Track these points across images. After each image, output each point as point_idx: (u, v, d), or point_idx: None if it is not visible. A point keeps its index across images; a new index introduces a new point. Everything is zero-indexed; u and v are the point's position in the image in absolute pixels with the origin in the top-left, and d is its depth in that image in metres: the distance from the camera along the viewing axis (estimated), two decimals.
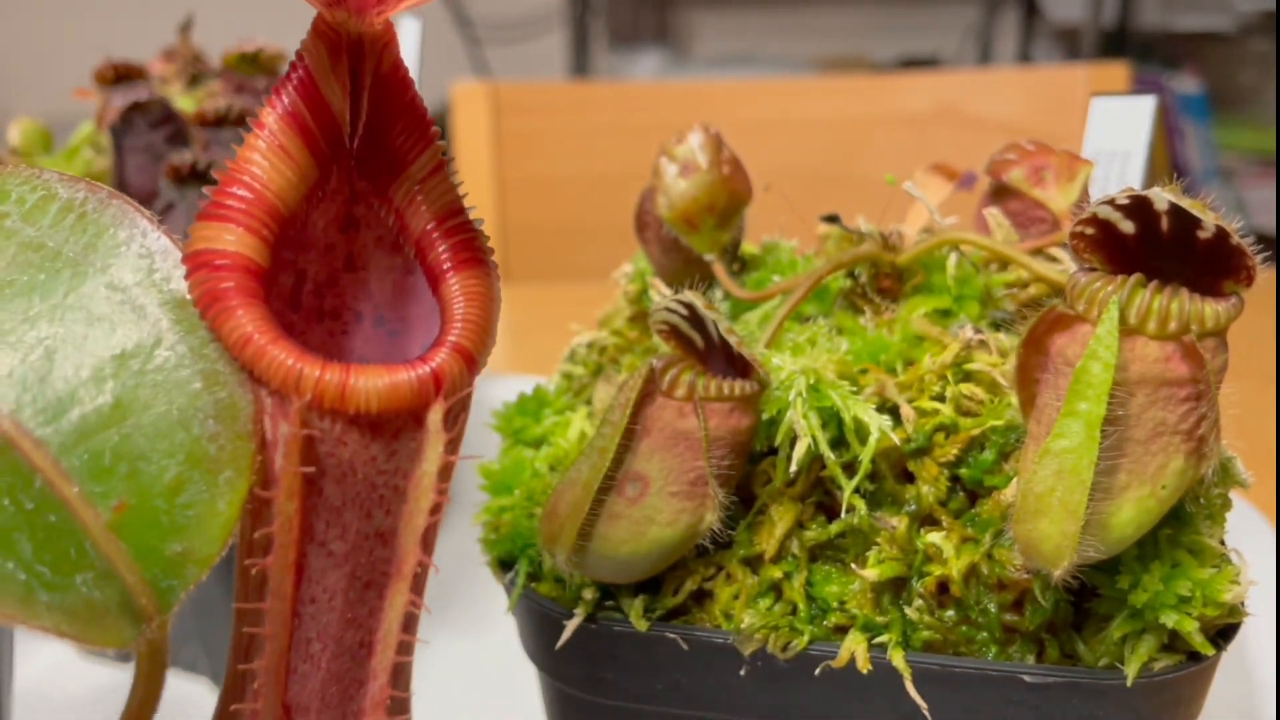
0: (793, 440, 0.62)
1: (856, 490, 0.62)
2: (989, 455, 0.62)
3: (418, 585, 0.45)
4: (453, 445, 0.44)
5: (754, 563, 0.64)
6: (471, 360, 0.44)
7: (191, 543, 0.40)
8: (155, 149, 0.97)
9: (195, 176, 0.86)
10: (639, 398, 0.58)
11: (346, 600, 0.45)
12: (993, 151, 0.76)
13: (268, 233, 0.42)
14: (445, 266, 0.46)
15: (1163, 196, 0.48)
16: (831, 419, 0.62)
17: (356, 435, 0.42)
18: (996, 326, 0.70)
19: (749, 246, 0.84)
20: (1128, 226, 0.51)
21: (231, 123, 0.95)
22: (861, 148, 2.03)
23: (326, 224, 0.48)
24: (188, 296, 0.42)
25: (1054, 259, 0.71)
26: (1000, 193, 0.75)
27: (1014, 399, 0.60)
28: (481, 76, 4.04)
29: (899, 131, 2.03)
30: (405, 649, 0.46)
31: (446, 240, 0.46)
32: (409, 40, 1.12)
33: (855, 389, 0.63)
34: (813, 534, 0.63)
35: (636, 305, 0.85)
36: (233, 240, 0.42)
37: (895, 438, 0.61)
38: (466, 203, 0.46)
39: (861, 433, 0.62)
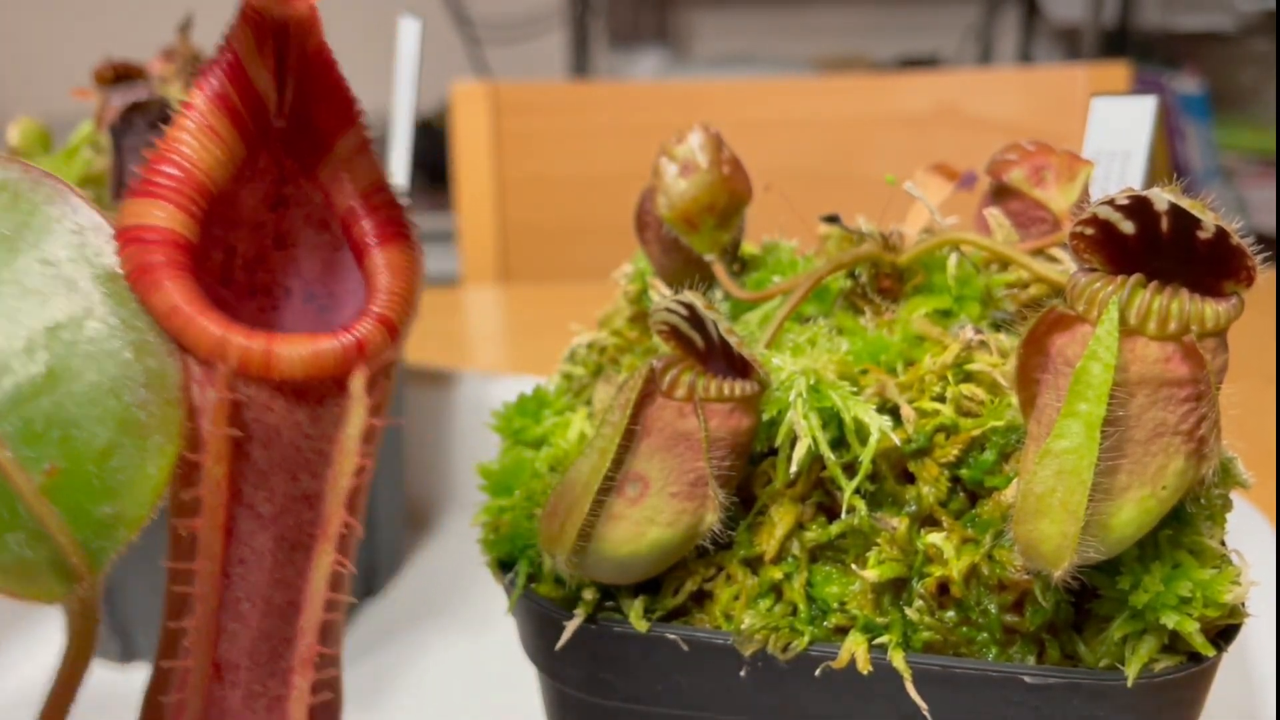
0: (793, 441, 0.62)
1: (857, 491, 0.62)
2: (989, 456, 0.61)
3: (344, 546, 0.47)
4: (376, 410, 0.46)
5: (754, 563, 0.64)
6: (394, 329, 0.46)
7: (122, 505, 0.41)
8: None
9: None
10: (639, 398, 0.58)
11: (275, 561, 0.47)
12: (993, 151, 0.76)
13: (196, 209, 0.44)
14: (370, 241, 0.47)
15: (1163, 196, 0.48)
16: (832, 419, 0.62)
17: (282, 401, 0.44)
18: (997, 327, 0.70)
19: (749, 246, 0.84)
20: (1128, 227, 0.51)
21: None
22: (861, 148, 2.03)
23: (256, 202, 0.49)
24: (119, 270, 0.43)
25: (1054, 259, 0.71)
26: (1001, 193, 0.75)
27: (1014, 399, 0.60)
28: (481, 76, 4.04)
29: (899, 131, 2.03)
30: (333, 607, 0.48)
31: (371, 216, 0.48)
32: (408, 40, 1.11)
33: (855, 389, 0.63)
34: (813, 535, 0.63)
35: (636, 305, 0.85)
36: (162, 216, 0.43)
37: (896, 438, 0.61)
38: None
39: (862, 433, 0.62)
